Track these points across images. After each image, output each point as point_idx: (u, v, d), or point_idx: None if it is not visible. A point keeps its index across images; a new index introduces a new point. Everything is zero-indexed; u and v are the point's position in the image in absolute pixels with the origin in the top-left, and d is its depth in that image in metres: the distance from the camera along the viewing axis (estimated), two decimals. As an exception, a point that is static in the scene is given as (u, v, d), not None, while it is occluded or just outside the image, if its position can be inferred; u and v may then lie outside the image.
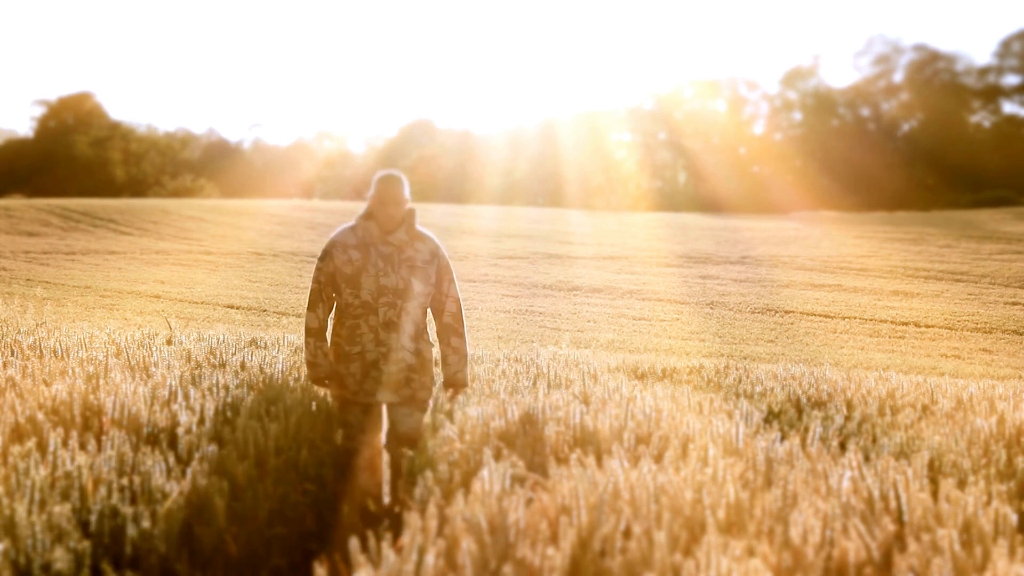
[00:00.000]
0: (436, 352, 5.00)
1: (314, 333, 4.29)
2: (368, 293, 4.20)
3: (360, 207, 4.48)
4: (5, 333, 6.51)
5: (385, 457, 4.25)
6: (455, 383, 4.31)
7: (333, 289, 4.31)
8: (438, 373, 5.12)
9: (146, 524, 2.89)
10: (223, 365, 5.72)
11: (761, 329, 19.66)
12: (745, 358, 12.97)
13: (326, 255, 4.30)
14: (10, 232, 33.08)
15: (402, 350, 4.21)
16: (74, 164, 70.46)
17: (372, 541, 2.25)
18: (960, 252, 35.51)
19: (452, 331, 4.33)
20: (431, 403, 4.47)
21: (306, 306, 4.38)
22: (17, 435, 3.53)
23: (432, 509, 2.30)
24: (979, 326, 21.04)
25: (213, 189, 70.86)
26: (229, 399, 4.51)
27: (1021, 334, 20.15)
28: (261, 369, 5.57)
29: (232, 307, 18.37)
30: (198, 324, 13.43)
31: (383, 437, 4.27)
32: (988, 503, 2.47)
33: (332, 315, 4.36)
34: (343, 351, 4.24)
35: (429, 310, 4.35)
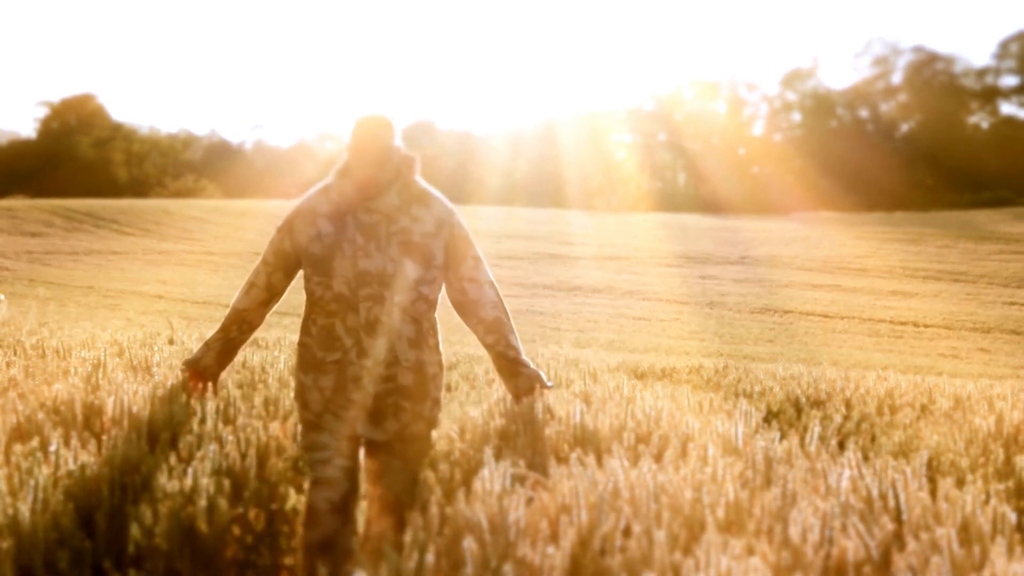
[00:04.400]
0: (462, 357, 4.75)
1: (234, 316, 3.27)
2: (343, 282, 3.00)
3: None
4: (7, 333, 6.53)
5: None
6: (537, 383, 3.26)
7: (287, 275, 3.21)
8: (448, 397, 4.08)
9: (148, 523, 2.90)
10: (224, 365, 5.74)
11: (760, 329, 19.67)
12: (744, 358, 12.98)
13: (286, 227, 3.14)
14: (13, 233, 33.10)
15: (394, 363, 3.02)
16: (77, 165, 70.52)
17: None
18: (958, 252, 35.51)
19: (500, 327, 3.17)
20: (433, 436, 3.24)
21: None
22: (19, 434, 3.54)
23: (433, 508, 2.31)
24: (977, 326, 21.05)
25: (215, 190, 70.89)
26: (230, 398, 4.52)
27: (1019, 334, 20.16)
28: (263, 368, 5.59)
29: (232, 307, 18.34)
30: (200, 324, 13.45)
31: (362, 481, 3.16)
32: (986, 502, 2.48)
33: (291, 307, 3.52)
34: (314, 357, 3.07)
35: (453, 305, 3.24)
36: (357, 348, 3.02)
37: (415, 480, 3.10)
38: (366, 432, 3.06)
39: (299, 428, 3.26)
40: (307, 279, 3.10)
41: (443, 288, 3.18)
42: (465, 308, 3.18)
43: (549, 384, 3.22)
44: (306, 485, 3.17)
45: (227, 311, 3.36)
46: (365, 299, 3.00)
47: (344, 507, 3.05)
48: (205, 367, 3.42)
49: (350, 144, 3.10)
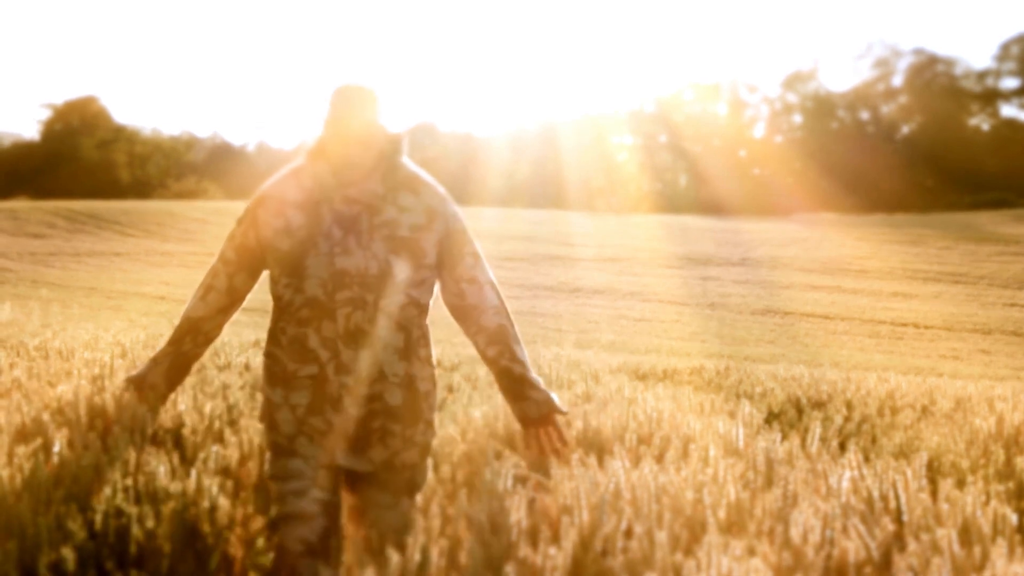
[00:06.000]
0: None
1: (187, 326, 2.78)
2: (318, 284, 2.53)
3: None
4: (11, 334, 6.54)
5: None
6: (549, 411, 2.64)
7: (251, 275, 2.72)
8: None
9: (151, 524, 2.91)
10: (227, 366, 5.74)
11: (761, 330, 19.67)
12: (746, 359, 12.98)
13: (248, 218, 2.66)
14: (16, 234, 33.14)
15: (379, 380, 2.57)
16: (79, 166, 70.66)
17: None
18: (959, 254, 35.50)
19: (503, 337, 2.65)
20: (428, 467, 2.74)
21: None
22: (23, 435, 3.55)
23: (435, 509, 2.32)
24: (978, 327, 21.04)
25: (217, 191, 70.99)
26: (233, 400, 4.53)
27: (1019, 335, 20.15)
28: (264, 370, 5.60)
29: (233, 309, 18.35)
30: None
31: (344, 514, 2.69)
32: (987, 503, 2.48)
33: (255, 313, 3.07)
34: (284, 369, 2.59)
35: (449, 310, 2.73)
36: (335, 362, 2.54)
37: (406, 520, 2.61)
38: (347, 462, 2.58)
39: (267, 455, 2.74)
40: (274, 281, 2.63)
41: (435, 291, 2.72)
42: (463, 314, 2.68)
43: (565, 410, 2.70)
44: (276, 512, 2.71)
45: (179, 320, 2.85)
46: (344, 304, 2.53)
47: (322, 548, 2.57)
48: (151, 386, 2.88)
49: (326, 118, 2.60)
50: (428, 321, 2.72)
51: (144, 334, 7.98)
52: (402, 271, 2.57)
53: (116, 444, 3.47)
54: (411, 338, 2.63)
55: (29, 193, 59.69)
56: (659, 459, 3.33)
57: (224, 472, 3.37)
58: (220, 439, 3.92)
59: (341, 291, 2.54)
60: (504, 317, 2.68)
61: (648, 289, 26.62)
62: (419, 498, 2.76)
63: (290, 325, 2.59)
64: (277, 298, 2.63)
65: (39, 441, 3.25)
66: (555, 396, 2.68)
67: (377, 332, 2.55)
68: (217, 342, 5.56)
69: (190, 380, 4.99)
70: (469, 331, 2.71)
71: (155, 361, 2.89)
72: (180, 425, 4.03)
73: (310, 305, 2.55)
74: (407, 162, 2.68)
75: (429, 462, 2.75)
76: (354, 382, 2.55)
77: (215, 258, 2.76)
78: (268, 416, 2.64)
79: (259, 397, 3.44)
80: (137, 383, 2.93)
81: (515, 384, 2.66)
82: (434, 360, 2.74)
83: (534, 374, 2.68)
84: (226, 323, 2.81)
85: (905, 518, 2.32)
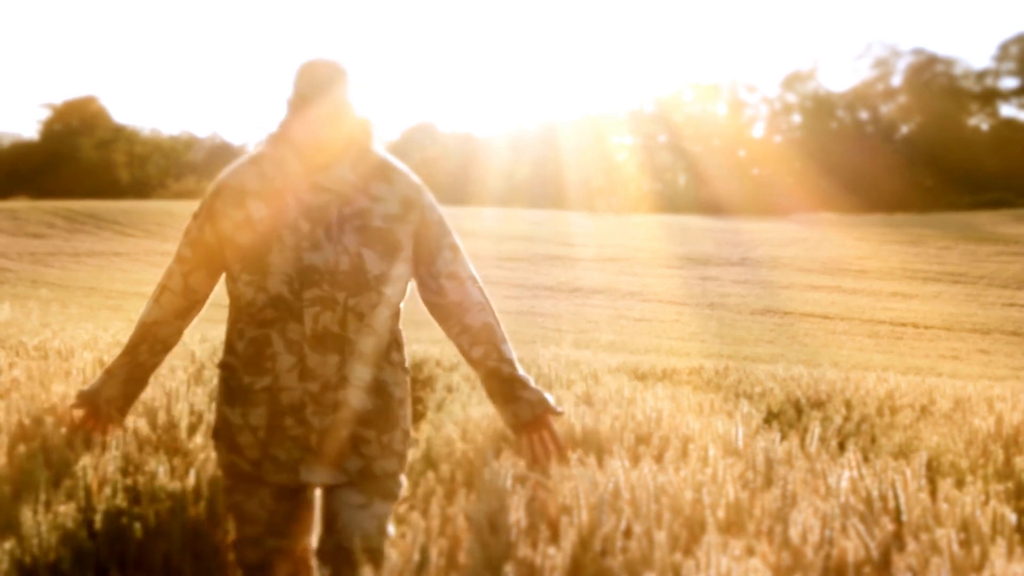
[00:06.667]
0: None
1: (142, 332, 2.54)
2: (283, 282, 2.31)
3: None
4: (10, 334, 6.54)
5: None
6: (543, 411, 2.45)
7: (210, 274, 2.48)
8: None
9: (150, 523, 2.91)
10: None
11: (761, 330, 19.69)
12: (745, 359, 12.98)
13: (205, 211, 2.42)
14: (16, 234, 33.15)
15: (349, 387, 2.34)
16: (79, 166, 70.75)
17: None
18: (958, 254, 35.54)
19: (489, 336, 2.46)
20: (403, 480, 2.50)
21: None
22: (22, 436, 3.55)
23: (434, 508, 2.32)
24: (977, 327, 21.06)
25: (215, 191, 71.11)
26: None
27: (1019, 335, 20.17)
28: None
29: (233, 308, 18.36)
30: (201, 325, 13.45)
31: (314, 540, 2.51)
32: (986, 503, 2.48)
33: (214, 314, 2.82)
34: (240, 383, 2.37)
35: (428, 309, 2.52)
36: (300, 368, 2.31)
37: (380, 525, 2.38)
38: (316, 477, 2.35)
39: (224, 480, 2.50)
40: (233, 279, 2.39)
41: (409, 289, 2.50)
42: (444, 313, 2.46)
43: (560, 410, 2.52)
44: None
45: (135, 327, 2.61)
46: (311, 304, 2.30)
47: (292, 565, 2.42)
48: (107, 400, 2.62)
49: (291, 97, 2.35)
50: (401, 325, 2.50)
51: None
52: (375, 266, 2.34)
53: (116, 444, 3.47)
54: (382, 342, 2.39)
55: (28, 193, 59.75)
56: (658, 459, 3.33)
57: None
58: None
59: (309, 289, 2.30)
60: (489, 314, 2.47)
61: (648, 289, 26.64)
62: (418, 496, 2.72)
63: (249, 327, 2.36)
64: (236, 297, 2.40)
65: (39, 441, 3.25)
66: (549, 396, 2.48)
67: (349, 336, 2.32)
68: (216, 341, 5.43)
69: (189, 380, 4.99)
70: (451, 331, 2.48)
71: (109, 373, 2.61)
72: (179, 424, 4.03)
73: (274, 305, 2.32)
74: (378, 148, 2.44)
75: (403, 478, 2.49)
76: (319, 389, 2.32)
77: (171, 257, 2.54)
78: (227, 438, 2.42)
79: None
80: (90, 399, 2.64)
81: (504, 385, 2.45)
82: (408, 368, 2.50)
83: (524, 372, 2.48)
84: (185, 328, 2.57)
85: (904, 518, 2.32)
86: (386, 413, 2.40)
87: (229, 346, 2.42)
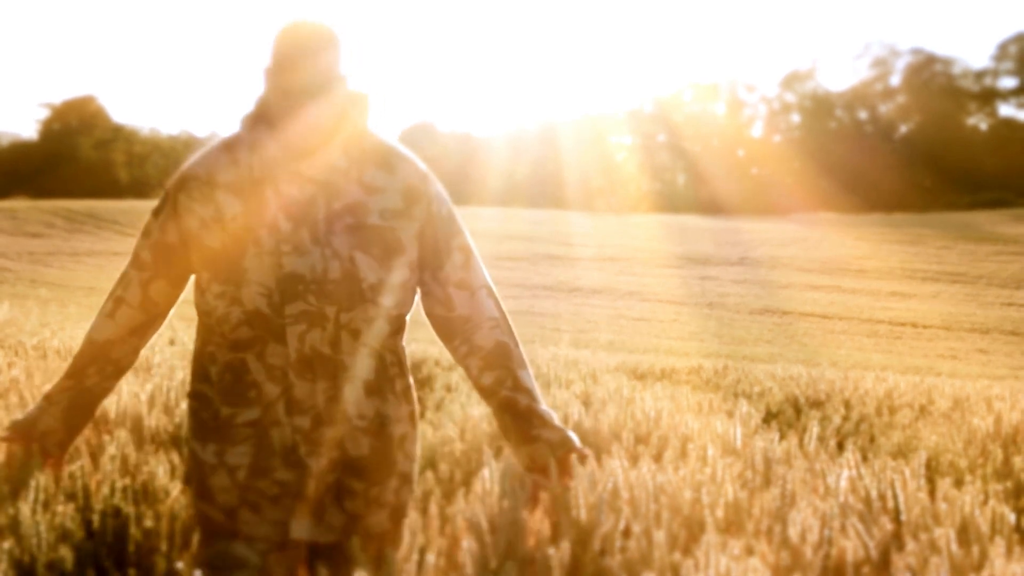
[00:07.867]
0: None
1: (91, 353, 2.04)
2: (261, 293, 1.87)
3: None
4: (9, 334, 6.54)
5: None
6: (565, 452, 2.00)
7: (173, 283, 2.01)
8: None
9: (149, 523, 2.91)
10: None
11: (760, 330, 19.70)
12: (744, 359, 12.99)
13: (168, 206, 1.97)
14: (15, 234, 33.15)
15: (343, 421, 1.92)
16: (78, 166, 70.80)
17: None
18: (957, 253, 35.56)
19: (504, 359, 1.99)
20: (406, 535, 2.07)
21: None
22: (20, 435, 3.55)
23: (433, 508, 2.32)
24: (976, 327, 21.08)
25: (214, 190, 71.41)
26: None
27: (1017, 334, 20.19)
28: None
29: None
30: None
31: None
32: (985, 502, 2.49)
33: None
34: (215, 416, 1.94)
35: (433, 324, 2.06)
36: (285, 399, 1.89)
37: None
38: (306, 533, 1.91)
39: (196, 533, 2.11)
40: (201, 290, 1.95)
41: (416, 298, 2.04)
42: (450, 329, 2.02)
43: (586, 451, 2.06)
44: None
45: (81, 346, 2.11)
46: (296, 320, 1.87)
47: None
48: (44, 433, 2.12)
49: (268, 67, 1.92)
50: (404, 343, 2.06)
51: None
52: (372, 272, 1.91)
53: (114, 444, 3.47)
54: (383, 364, 1.96)
55: (28, 193, 59.74)
56: (657, 458, 3.33)
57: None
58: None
59: (292, 303, 1.87)
60: (505, 333, 2.01)
61: (647, 289, 26.66)
62: (417, 496, 2.63)
63: (222, 350, 1.92)
64: (205, 313, 1.95)
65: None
66: (572, 433, 2.03)
67: (340, 357, 1.90)
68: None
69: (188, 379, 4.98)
70: (458, 352, 2.03)
71: (48, 400, 2.11)
72: (179, 425, 4.03)
73: (250, 322, 1.89)
74: (375, 130, 2.00)
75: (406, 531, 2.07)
76: (311, 424, 1.89)
77: (126, 263, 2.07)
78: (199, 481, 1.96)
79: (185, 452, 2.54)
80: (25, 431, 2.14)
81: (520, 421, 2.00)
82: (414, 396, 2.06)
83: (544, 405, 2.03)
84: (142, 348, 2.10)
85: (903, 517, 2.32)
86: (381, 457, 1.97)
87: (200, 372, 1.97)
